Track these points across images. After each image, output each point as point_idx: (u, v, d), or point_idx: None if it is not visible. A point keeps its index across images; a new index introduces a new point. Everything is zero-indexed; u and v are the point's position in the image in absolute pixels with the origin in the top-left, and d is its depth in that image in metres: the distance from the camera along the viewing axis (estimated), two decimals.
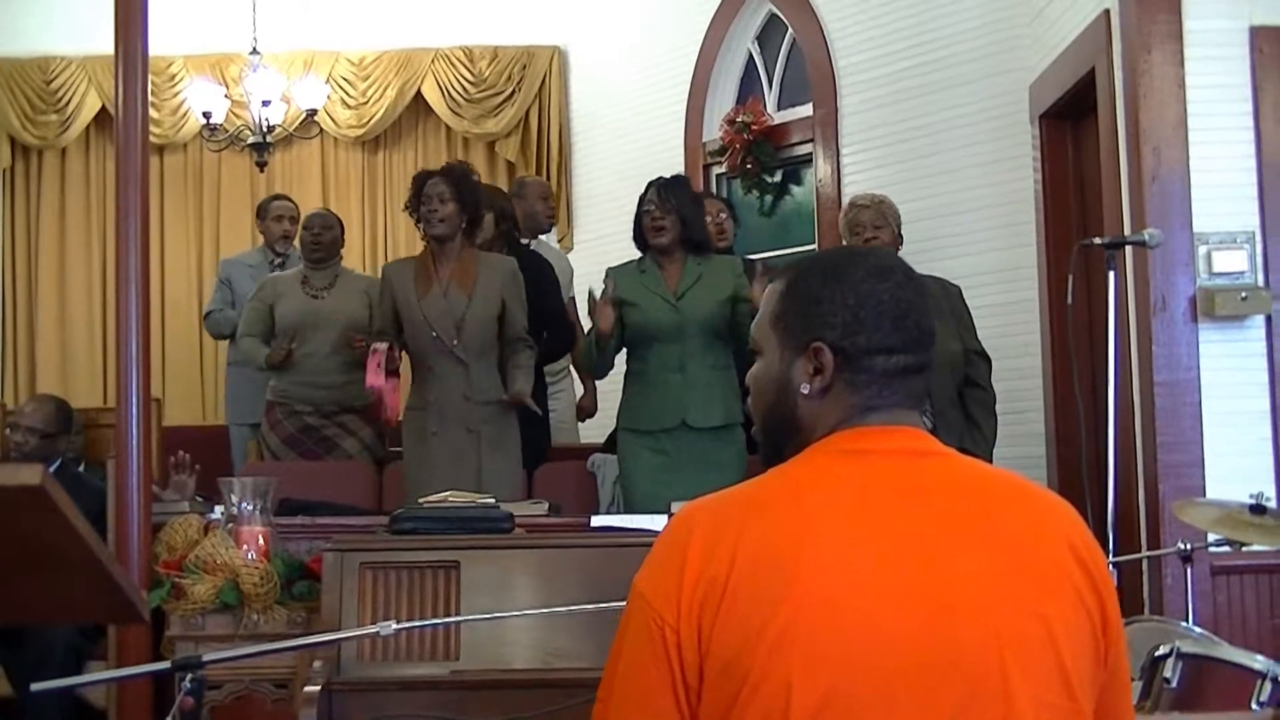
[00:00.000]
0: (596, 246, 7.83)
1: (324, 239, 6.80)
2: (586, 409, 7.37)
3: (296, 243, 7.65)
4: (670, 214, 5.62)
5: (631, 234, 5.79)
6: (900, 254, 5.74)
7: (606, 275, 5.73)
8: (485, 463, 5.69)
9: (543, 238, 7.57)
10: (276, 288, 6.73)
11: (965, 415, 5.65)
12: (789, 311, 1.96)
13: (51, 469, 5.53)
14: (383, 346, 5.64)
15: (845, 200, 7.59)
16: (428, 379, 5.78)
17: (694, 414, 5.51)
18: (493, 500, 4.66)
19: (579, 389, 7.58)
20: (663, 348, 5.59)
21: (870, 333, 1.90)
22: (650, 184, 5.72)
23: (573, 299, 7.24)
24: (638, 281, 5.66)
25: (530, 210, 7.25)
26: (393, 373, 5.72)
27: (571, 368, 7.45)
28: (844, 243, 5.87)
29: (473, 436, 5.69)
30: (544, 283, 6.34)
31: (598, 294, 5.58)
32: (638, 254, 5.79)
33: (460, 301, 5.72)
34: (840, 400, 1.91)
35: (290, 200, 8.07)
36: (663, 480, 5.41)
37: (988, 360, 5.76)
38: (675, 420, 5.55)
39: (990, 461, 5.46)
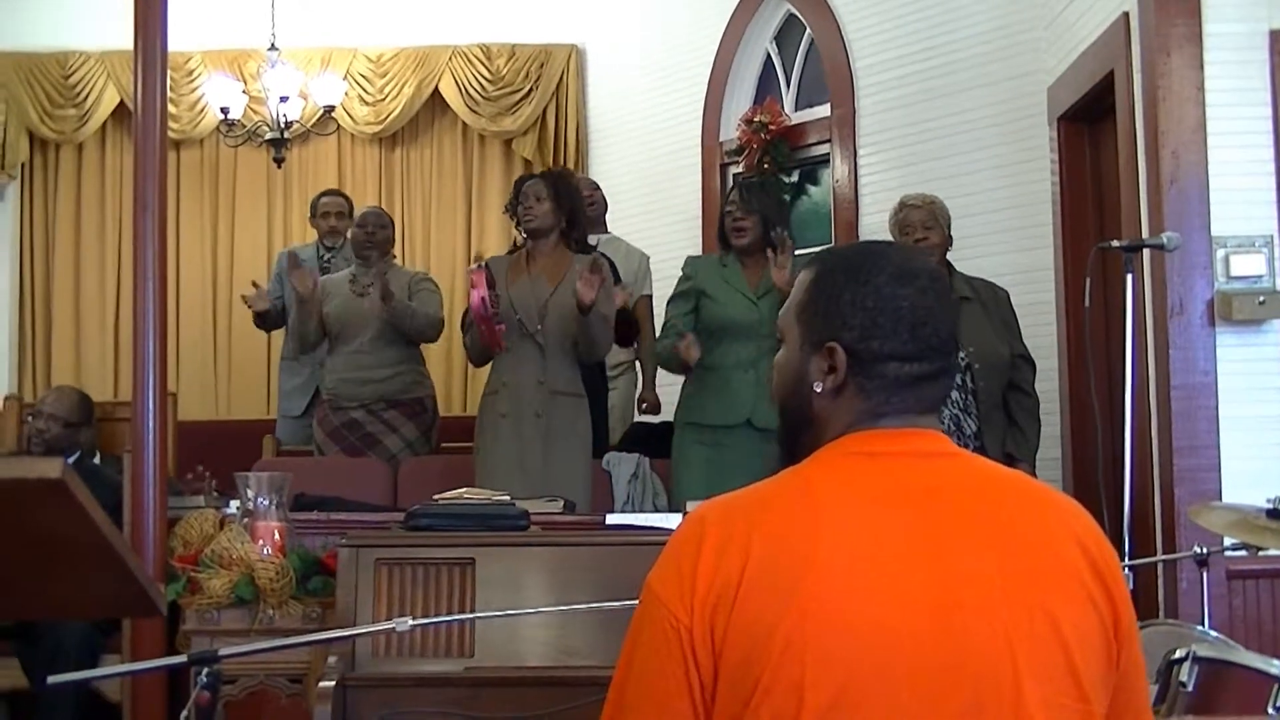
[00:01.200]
0: None
1: (377, 237, 6.86)
2: (651, 403, 7.29)
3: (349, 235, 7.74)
4: (752, 215, 5.68)
5: (717, 231, 5.86)
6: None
7: (686, 262, 5.85)
8: (550, 449, 5.72)
9: (619, 235, 7.54)
10: (326, 289, 6.78)
11: (1009, 418, 5.63)
12: (811, 306, 1.97)
13: (70, 460, 5.57)
14: (481, 267, 5.66)
15: (862, 201, 7.62)
16: (506, 362, 5.81)
17: (760, 414, 5.48)
18: (507, 497, 4.67)
19: (639, 385, 7.55)
20: (736, 345, 5.61)
21: (885, 338, 1.90)
22: (734, 184, 5.76)
23: (646, 297, 7.24)
24: (719, 275, 5.72)
25: None
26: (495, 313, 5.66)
27: (638, 363, 7.41)
28: None
29: (541, 422, 5.72)
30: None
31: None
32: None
33: (545, 289, 5.79)
34: (852, 403, 1.92)
35: (341, 196, 8.11)
36: (714, 478, 5.39)
37: (1032, 365, 5.74)
38: (739, 418, 5.56)
39: (1034, 465, 5.48)
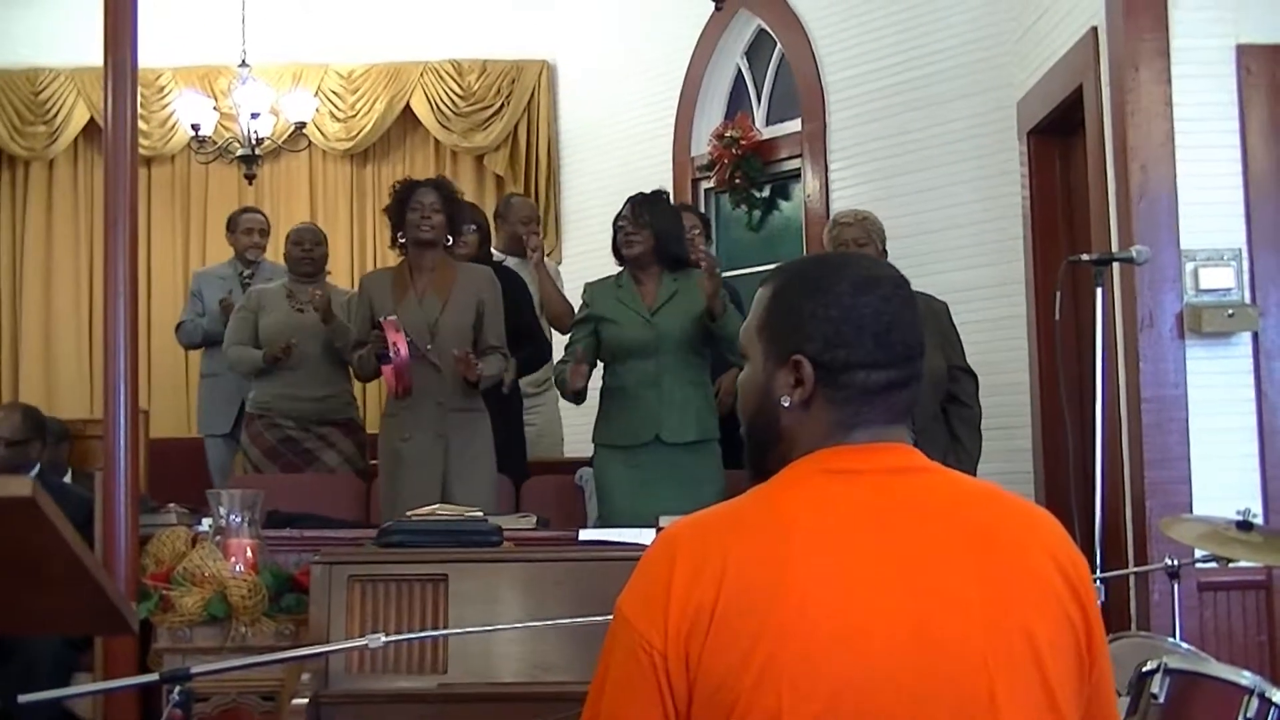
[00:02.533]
0: (585, 260, 7.85)
1: (315, 254, 6.89)
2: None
3: (269, 255, 7.71)
4: (643, 229, 5.64)
5: (611, 246, 5.81)
6: None
7: (585, 289, 5.79)
8: (453, 470, 5.67)
9: (512, 264, 7.44)
10: (262, 299, 6.77)
11: (949, 431, 5.65)
12: (772, 320, 1.93)
13: (30, 475, 5.54)
14: (391, 319, 5.55)
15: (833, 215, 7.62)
16: None
17: (668, 430, 5.52)
18: (481, 513, 4.65)
19: (563, 404, 7.53)
20: (638, 363, 5.60)
21: (851, 348, 1.86)
22: (628, 199, 5.74)
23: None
24: (614, 297, 5.69)
25: (512, 232, 7.21)
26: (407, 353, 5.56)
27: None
28: None
29: (441, 442, 5.67)
30: (515, 297, 6.30)
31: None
32: (619, 269, 5.79)
33: (435, 307, 5.72)
34: (821, 416, 1.88)
35: (261, 213, 8.07)
36: (639, 495, 5.42)
37: (973, 376, 5.75)
38: (649, 435, 5.56)
39: (974, 476, 5.46)
